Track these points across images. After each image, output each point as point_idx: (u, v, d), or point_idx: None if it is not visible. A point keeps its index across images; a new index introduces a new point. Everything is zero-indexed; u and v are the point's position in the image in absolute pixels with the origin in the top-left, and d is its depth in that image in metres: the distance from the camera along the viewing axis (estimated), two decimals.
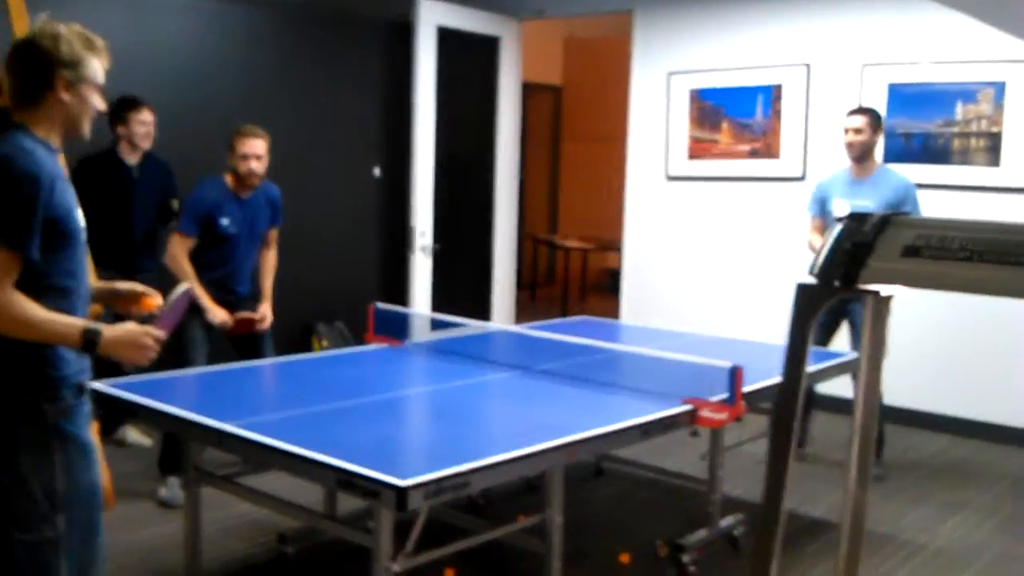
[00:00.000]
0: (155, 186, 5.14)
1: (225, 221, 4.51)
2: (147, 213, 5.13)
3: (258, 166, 4.49)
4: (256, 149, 4.47)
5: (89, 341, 2.28)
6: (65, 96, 2.33)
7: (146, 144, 5.04)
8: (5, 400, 2.28)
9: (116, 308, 2.63)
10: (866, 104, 5.92)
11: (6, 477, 2.28)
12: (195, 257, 4.51)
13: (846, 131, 5.03)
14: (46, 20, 2.36)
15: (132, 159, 5.04)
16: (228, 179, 4.54)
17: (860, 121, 4.98)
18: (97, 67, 2.39)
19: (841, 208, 4.97)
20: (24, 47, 2.33)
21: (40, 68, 2.31)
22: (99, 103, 2.42)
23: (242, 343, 4.63)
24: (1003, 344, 5.69)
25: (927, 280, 1.81)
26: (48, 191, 2.22)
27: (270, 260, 4.86)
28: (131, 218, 5.06)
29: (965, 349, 5.81)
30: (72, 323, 2.28)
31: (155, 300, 2.55)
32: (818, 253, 1.92)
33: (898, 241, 1.82)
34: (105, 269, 4.56)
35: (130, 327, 2.37)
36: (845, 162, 5.16)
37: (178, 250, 4.46)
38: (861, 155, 5.00)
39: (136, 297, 2.57)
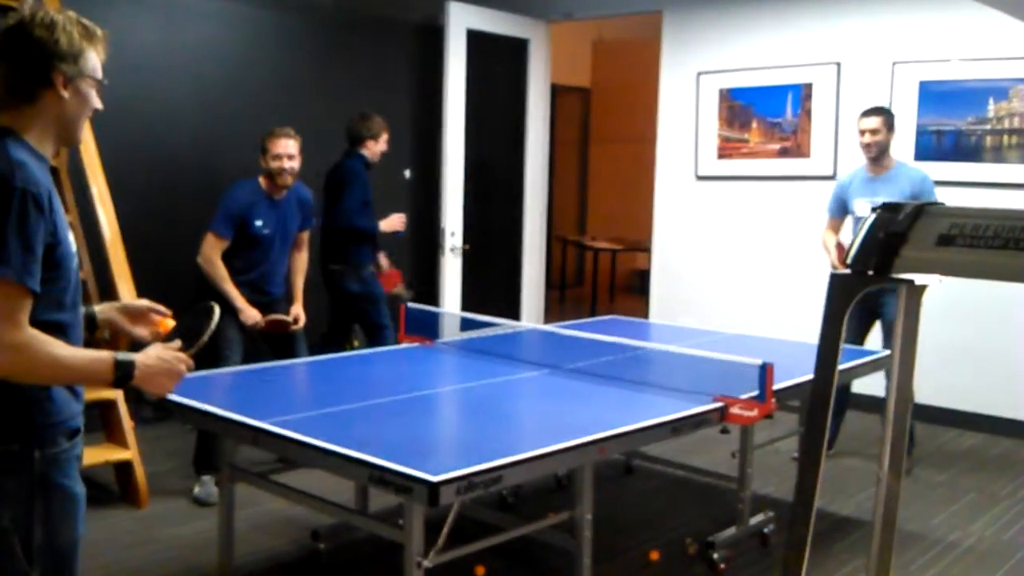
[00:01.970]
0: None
1: (259, 223, 4.58)
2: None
3: (290, 166, 4.57)
4: (288, 149, 4.55)
5: (123, 375, 2.02)
6: (64, 93, 2.02)
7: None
8: None
9: (125, 327, 2.34)
10: (895, 102, 5.92)
11: None
12: (229, 258, 4.58)
13: (862, 132, 5.07)
14: (35, 5, 2.06)
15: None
16: (261, 181, 4.62)
17: (876, 122, 5.03)
18: (97, 60, 2.09)
19: (863, 208, 5.06)
20: (15, 38, 2.00)
21: (35, 61, 1.99)
22: (97, 102, 2.11)
23: (276, 343, 4.70)
24: None
25: (961, 268, 1.79)
26: (48, 212, 1.93)
27: (301, 261, 4.93)
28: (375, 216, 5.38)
29: (999, 346, 5.78)
30: (100, 356, 2.00)
31: (169, 320, 2.34)
32: (852, 243, 1.92)
33: (932, 230, 1.81)
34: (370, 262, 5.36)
35: (163, 353, 2.11)
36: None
37: (212, 251, 4.53)
38: (878, 155, 5.05)
39: (148, 315, 2.34)
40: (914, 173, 5.09)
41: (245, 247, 4.60)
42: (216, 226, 4.55)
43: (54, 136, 2.07)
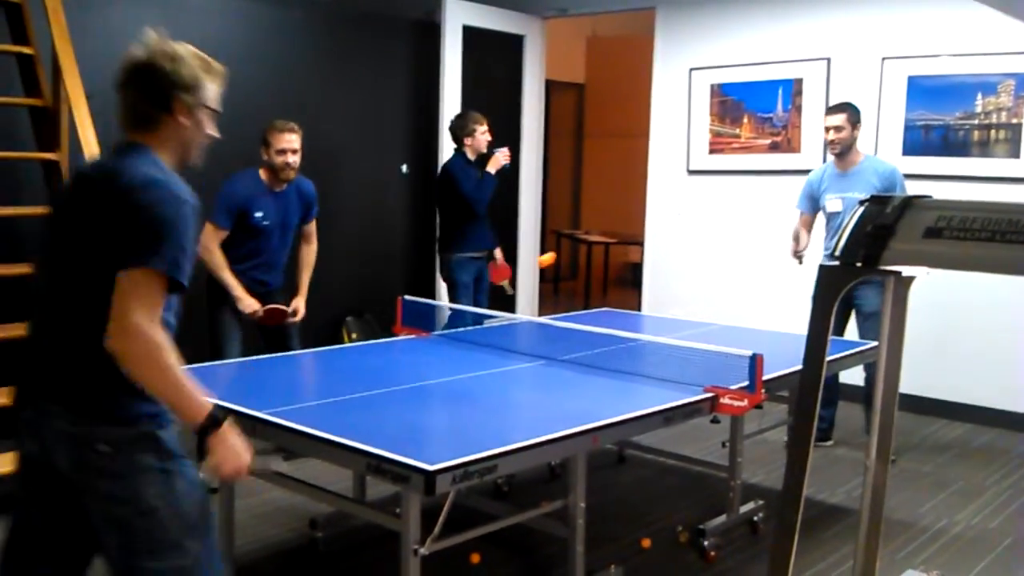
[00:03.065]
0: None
1: (259, 214, 4.63)
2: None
3: (294, 160, 4.62)
4: (292, 144, 4.61)
5: (211, 424, 2.11)
6: (183, 120, 2.24)
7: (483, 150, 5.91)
8: (124, 430, 2.13)
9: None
10: (884, 97, 5.97)
11: (129, 510, 2.13)
12: (228, 247, 4.63)
13: (826, 130, 5.10)
14: (160, 39, 2.25)
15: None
16: (262, 173, 4.67)
17: (839, 119, 5.04)
18: (214, 91, 2.30)
19: (834, 204, 5.10)
20: (142, 68, 2.22)
21: (159, 90, 2.21)
22: (213, 130, 2.32)
23: (270, 334, 4.74)
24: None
25: (949, 261, 1.81)
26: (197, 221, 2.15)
27: (309, 255, 4.99)
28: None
29: (985, 336, 5.84)
30: (203, 398, 2.12)
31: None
32: (840, 235, 1.93)
33: (920, 222, 1.82)
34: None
35: (241, 438, 2.20)
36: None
37: (210, 240, 4.56)
38: (843, 151, 5.08)
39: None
40: (882, 167, 5.12)
41: (245, 237, 4.64)
42: (215, 216, 4.58)
43: (175, 156, 2.27)
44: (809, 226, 5.32)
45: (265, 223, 4.66)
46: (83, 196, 2.18)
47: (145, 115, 2.22)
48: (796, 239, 5.27)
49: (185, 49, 2.26)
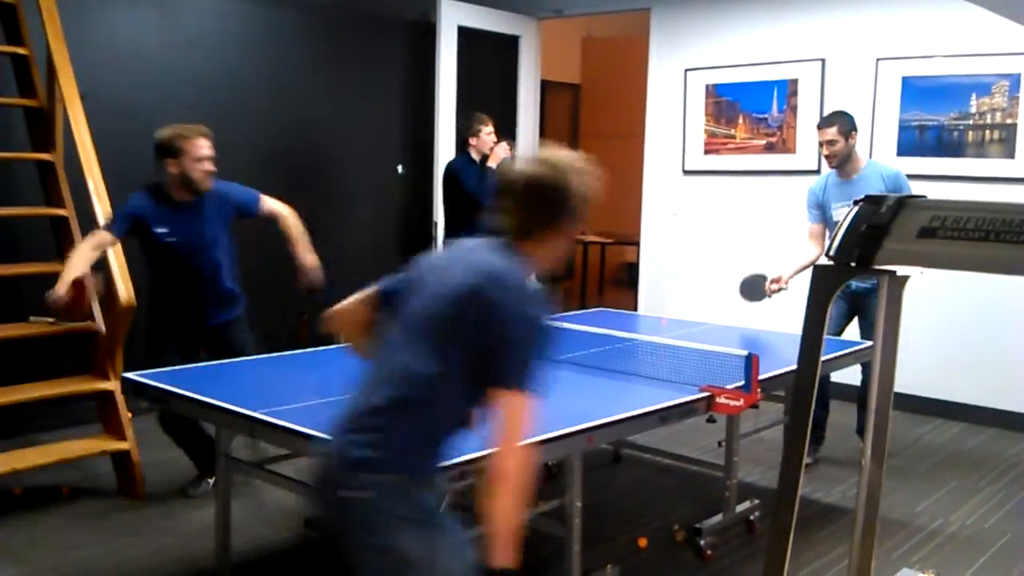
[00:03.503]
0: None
1: (161, 229, 4.12)
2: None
3: (211, 167, 4.15)
4: (210, 149, 4.14)
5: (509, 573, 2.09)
6: (563, 233, 2.24)
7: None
8: (388, 477, 2.12)
9: None
10: (878, 98, 5.97)
11: (391, 560, 2.11)
12: (161, 286, 4.29)
13: (820, 144, 4.92)
14: (559, 155, 2.23)
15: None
16: (164, 187, 4.15)
17: (831, 132, 4.83)
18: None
19: (841, 213, 4.92)
20: (541, 185, 2.19)
21: (555, 208, 2.20)
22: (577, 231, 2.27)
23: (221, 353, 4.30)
24: (1018, 330, 5.73)
25: (943, 261, 1.82)
26: None
27: (286, 223, 4.36)
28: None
29: (980, 336, 5.85)
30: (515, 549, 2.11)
31: None
32: (835, 235, 1.94)
33: (914, 222, 1.83)
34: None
35: None
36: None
37: (93, 238, 4.12)
38: (842, 162, 4.90)
39: None
40: (887, 171, 4.97)
41: (162, 263, 4.19)
42: (111, 223, 4.14)
43: (545, 264, 2.28)
44: (820, 236, 5.10)
45: (171, 239, 4.11)
46: (461, 287, 2.15)
47: (530, 228, 2.21)
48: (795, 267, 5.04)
49: (575, 163, 2.23)
